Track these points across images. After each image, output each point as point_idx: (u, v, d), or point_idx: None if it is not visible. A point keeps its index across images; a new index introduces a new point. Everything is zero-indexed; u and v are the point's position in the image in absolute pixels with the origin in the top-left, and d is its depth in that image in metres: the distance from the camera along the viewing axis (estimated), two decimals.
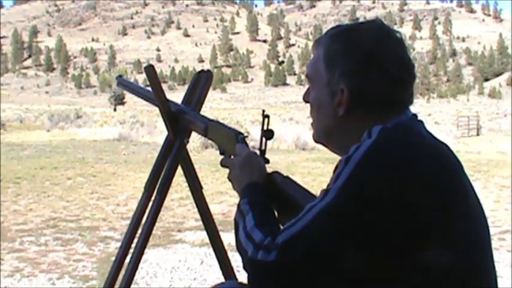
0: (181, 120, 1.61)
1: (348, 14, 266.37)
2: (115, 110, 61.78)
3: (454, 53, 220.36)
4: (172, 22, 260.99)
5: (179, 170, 1.80)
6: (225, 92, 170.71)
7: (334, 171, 0.97)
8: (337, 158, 1.04)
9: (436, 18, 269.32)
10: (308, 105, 1.14)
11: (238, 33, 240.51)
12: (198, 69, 1.95)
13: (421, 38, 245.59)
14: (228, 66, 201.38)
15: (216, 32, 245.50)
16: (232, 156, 1.31)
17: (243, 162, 1.21)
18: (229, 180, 1.24)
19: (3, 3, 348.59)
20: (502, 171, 10.13)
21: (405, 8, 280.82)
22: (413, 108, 1.10)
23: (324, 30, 1.18)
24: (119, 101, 67.71)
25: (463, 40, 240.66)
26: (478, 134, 27.72)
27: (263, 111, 1.24)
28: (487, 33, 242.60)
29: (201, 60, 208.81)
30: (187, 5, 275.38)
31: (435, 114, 51.12)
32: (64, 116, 31.38)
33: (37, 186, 8.47)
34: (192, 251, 5.03)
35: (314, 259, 0.90)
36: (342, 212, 0.90)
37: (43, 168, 10.38)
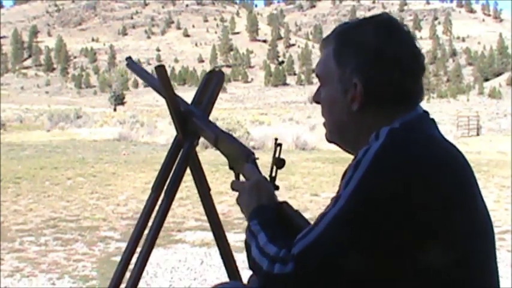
0: (191, 123, 1.58)
1: (348, 14, 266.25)
2: (115, 110, 61.78)
3: (454, 53, 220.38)
4: (172, 22, 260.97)
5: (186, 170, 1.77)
6: (225, 92, 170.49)
7: (343, 177, 0.97)
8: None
9: (436, 18, 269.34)
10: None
11: (238, 33, 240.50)
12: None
13: (421, 38, 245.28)
14: (228, 66, 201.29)
15: (216, 32, 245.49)
16: (240, 175, 1.29)
17: (252, 187, 1.19)
18: (238, 203, 1.22)
19: (3, 3, 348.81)
20: (502, 171, 10.13)
21: (405, 8, 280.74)
22: None
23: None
24: (119, 101, 67.73)
25: (463, 40, 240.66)
26: (478, 134, 27.69)
27: (275, 139, 1.21)
28: (487, 33, 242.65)
29: (201, 60, 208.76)
30: (187, 5, 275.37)
31: (435, 114, 50.97)
32: (64, 116, 31.38)
33: (37, 186, 8.47)
34: (192, 251, 5.03)
35: (331, 266, 0.90)
36: (353, 218, 0.91)
37: (43, 168, 10.38)
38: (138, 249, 1.73)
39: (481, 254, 0.98)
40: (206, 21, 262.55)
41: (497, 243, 5.29)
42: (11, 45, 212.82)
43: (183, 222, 6.18)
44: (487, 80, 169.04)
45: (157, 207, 1.74)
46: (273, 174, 1.22)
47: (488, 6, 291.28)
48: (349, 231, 0.90)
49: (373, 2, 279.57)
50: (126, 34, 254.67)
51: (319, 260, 0.91)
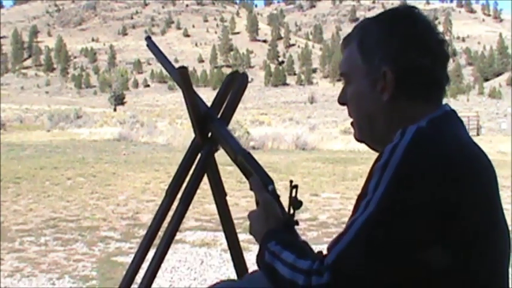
0: (210, 127, 1.54)
1: (348, 14, 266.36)
2: (115, 110, 61.78)
3: (454, 53, 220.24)
4: (172, 22, 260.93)
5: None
6: None
7: (369, 178, 0.95)
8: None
9: (436, 18, 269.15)
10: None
11: (238, 33, 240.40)
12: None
13: None
14: (228, 66, 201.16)
15: (216, 32, 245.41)
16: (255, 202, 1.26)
17: (259, 215, 1.16)
18: (251, 233, 1.19)
19: (3, 3, 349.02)
20: (502, 171, 10.13)
21: None
22: None
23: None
24: (119, 101, 67.71)
25: (463, 40, 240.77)
26: (478, 134, 27.71)
27: (291, 181, 1.18)
28: (487, 33, 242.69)
29: (201, 60, 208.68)
30: (187, 5, 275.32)
31: None
32: (64, 116, 31.40)
33: (37, 186, 8.47)
34: (192, 251, 5.04)
35: (366, 271, 0.90)
36: (385, 221, 0.90)
37: (43, 168, 10.38)
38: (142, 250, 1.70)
39: (501, 254, 0.99)
40: (206, 21, 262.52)
41: None
42: (11, 45, 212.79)
43: (183, 222, 6.18)
44: (487, 80, 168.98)
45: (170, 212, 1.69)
46: (291, 212, 1.18)
47: (488, 6, 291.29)
48: (382, 233, 0.89)
49: (373, 2, 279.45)
50: (126, 34, 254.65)
51: (354, 266, 0.90)
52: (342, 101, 1.13)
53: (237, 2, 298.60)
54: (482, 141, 22.42)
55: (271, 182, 1.23)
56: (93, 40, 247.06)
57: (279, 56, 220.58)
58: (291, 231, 1.14)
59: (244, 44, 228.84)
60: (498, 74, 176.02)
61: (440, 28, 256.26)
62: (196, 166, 1.61)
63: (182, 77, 1.51)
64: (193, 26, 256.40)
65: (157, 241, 1.69)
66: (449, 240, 0.90)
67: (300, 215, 5.92)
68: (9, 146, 16.29)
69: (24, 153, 13.94)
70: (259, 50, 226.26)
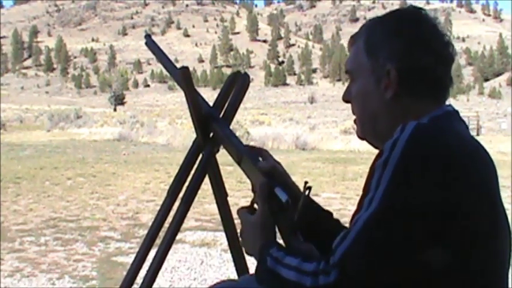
0: (212, 128, 1.53)
1: (348, 14, 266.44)
2: (115, 110, 61.80)
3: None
4: (172, 22, 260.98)
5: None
6: None
7: (370, 175, 0.96)
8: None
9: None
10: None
11: (238, 33, 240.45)
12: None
13: None
14: (228, 66, 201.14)
15: (216, 32, 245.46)
16: (255, 204, 1.24)
17: (255, 223, 1.15)
18: (241, 236, 1.19)
19: (3, 3, 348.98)
20: (502, 171, 10.13)
21: None
22: None
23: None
24: (119, 101, 67.74)
25: (463, 40, 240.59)
26: (478, 134, 27.71)
27: (305, 182, 1.18)
28: (487, 33, 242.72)
29: (201, 60, 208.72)
30: (187, 5, 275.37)
31: None
32: (64, 116, 31.38)
33: (37, 186, 8.48)
34: (192, 251, 5.04)
35: (371, 268, 0.90)
36: (388, 219, 0.90)
37: (43, 168, 10.39)
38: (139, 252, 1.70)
39: (502, 253, 0.99)
40: (206, 21, 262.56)
41: None
42: (11, 45, 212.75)
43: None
44: (487, 80, 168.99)
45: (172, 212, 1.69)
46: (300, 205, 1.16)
47: (488, 6, 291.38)
48: (386, 231, 0.89)
49: (373, 2, 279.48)
50: (126, 34, 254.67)
51: (360, 263, 0.90)
52: (346, 98, 1.14)
53: (237, 2, 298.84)
54: (482, 141, 22.16)
55: (276, 184, 1.20)
56: (93, 40, 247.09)
57: (279, 56, 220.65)
58: (295, 236, 1.14)
59: (244, 44, 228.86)
60: (498, 74, 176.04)
61: None
62: (198, 166, 1.60)
63: (184, 78, 1.51)
64: (193, 26, 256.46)
65: (158, 241, 1.68)
66: (449, 240, 0.90)
67: None
68: (9, 146, 16.30)
69: (24, 153, 13.94)
70: (259, 50, 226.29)
